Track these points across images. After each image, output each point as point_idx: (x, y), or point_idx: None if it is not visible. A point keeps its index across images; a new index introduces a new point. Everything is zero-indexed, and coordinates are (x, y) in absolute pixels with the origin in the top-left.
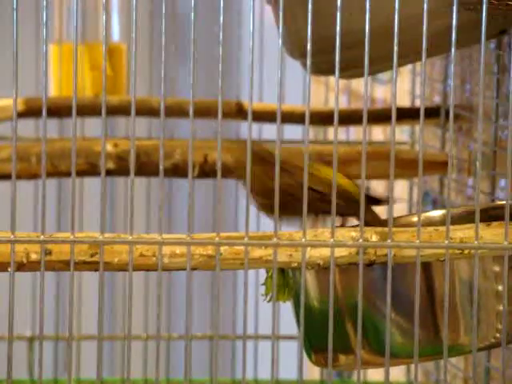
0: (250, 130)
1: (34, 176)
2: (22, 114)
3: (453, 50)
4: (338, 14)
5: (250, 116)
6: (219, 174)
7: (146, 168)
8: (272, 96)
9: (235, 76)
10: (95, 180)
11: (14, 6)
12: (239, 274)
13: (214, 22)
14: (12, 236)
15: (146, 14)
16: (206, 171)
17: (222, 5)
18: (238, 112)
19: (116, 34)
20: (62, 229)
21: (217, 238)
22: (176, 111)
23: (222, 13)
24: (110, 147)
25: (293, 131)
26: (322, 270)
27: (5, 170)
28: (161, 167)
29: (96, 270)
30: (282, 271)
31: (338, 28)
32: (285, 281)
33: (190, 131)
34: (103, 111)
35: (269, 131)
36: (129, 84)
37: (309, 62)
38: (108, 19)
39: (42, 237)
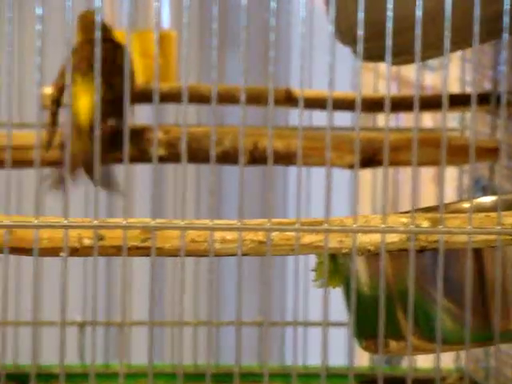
0: (301, 117)
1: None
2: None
3: (504, 35)
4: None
5: (301, 103)
6: (270, 160)
7: (196, 155)
8: (321, 83)
9: (284, 63)
10: (145, 166)
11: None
12: (288, 260)
13: (264, 9)
14: (65, 221)
15: (195, 0)
16: (256, 158)
17: None
18: (288, 99)
19: (166, 21)
20: (113, 215)
21: (268, 224)
22: (225, 98)
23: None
24: (160, 134)
25: (342, 118)
26: (372, 255)
27: (57, 156)
28: (212, 153)
29: (148, 255)
30: (333, 257)
31: (389, 13)
32: (335, 267)
33: (240, 118)
34: (155, 98)
35: (318, 118)
36: (178, 71)
37: (360, 48)
38: (159, 6)
39: (95, 222)
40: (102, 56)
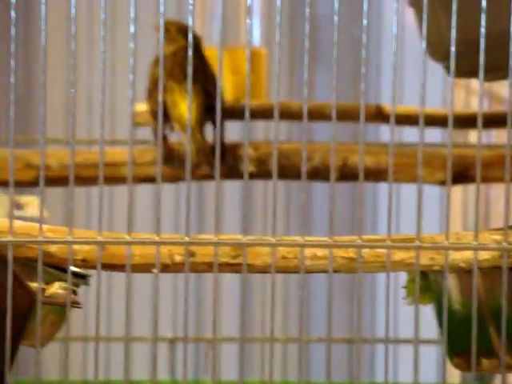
0: (391, 133)
1: (176, 179)
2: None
3: None
4: (483, 16)
5: (392, 119)
6: (361, 176)
7: (286, 171)
8: (412, 99)
9: (375, 79)
10: (235, 183)
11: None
12: (379, 277)
13: (353, 26)
14: (157, 238)
15: (286, 17)
16: (346, 174)
17: (365, 8)
18: (378, 115)
19: (257, 39)
20: (203, 231)
21: (358, 241)
22: (315, 114)
23: (365, 16)
24: (250, 151)
25: (433, 134)
26: (464, 272)
27: (149, 172)
28: (302, 169)
29: (238, 271)
30: (424, 274)
31: (482, 30)
32: (426, 284)
33: (330, 134)
34: (246, 115)
35: (409, 134)
36: (268, 88)
37: (452, 65)
38: (249, 24)
39: (186, 238)
40: (195, 64)
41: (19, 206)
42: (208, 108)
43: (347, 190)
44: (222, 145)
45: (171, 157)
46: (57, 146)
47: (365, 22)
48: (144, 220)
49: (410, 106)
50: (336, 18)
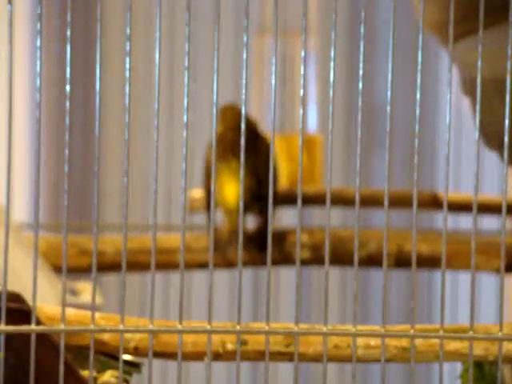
0: (445, 221)
1: (229, 265)
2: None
3: None
4: None
5: (445, 207)
6: (413, 264)
7: (340, 257)
8: (469, 186)
9: (430, 167)
10: (292, 269)
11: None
12: (434, 366)
13: (410, 114)
14: (208, 326)
15: (342, 105)
16: (401, 261)
17: (418, 97)
18: (434, 203)
19: (313, 125)
20: (259, 318)
21: (411, 331)
22: (371, 201)
23: (419, 106)
24: (305, 237)
25: (490, 222)
26: None
27: (203, 259)
28: (355, 257)
29: (291, 360)
30: (479, 364)
31: None
32: (481, 374)
33: (384, 221)
34: (298, 202)
35: (467, 222)
36: (325, 174)
37: (506, 154)
38: (305, 111)
39: (238, 327)
40: (247, 146)
41: (74, 293)
42: (257, 195)
43: (404, 277)
44: (264, 231)
45: (217, 243)
46: (113, 233)
47: (418, 111)
48: (199, 306)
49: (466, 193)
50: (389, 108)
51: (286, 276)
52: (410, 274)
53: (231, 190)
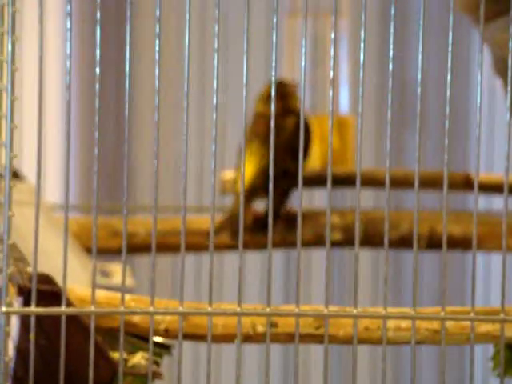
0: (476, 202)
1: (260, 246)
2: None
3: None
4: None
5: (475, 188)
6: (444, 246)
7: (372, 239)
8: (502, 167)
9: (463, 147)
10: (323, 251)
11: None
12: (466, 348)
13: (442, 95)
14: (238, 309)
15: (374, 85)
16: (434, 243)
17: (449, 79)
18: (466, 184)
19: (345, 107)
20: (291, 300)
21: (442, 313)
22: (403, 182)
23: (450, 87)
24: (336, 218)
25: None
26: None
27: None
28: (385, 240)
29: (321, 342)
30: (510, 346)
31: None
32: None
33: (420, 202)
34: (328, 183)
35: (499, 203)
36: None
37: None
38: (336, 92)
39: (268, 309)
40: (277, 133)
41: (106, 274)
42: (282, 174)
43: (437, 259)
44: (276, 213)
45: (230, 224)
46: (144, 214)
47: (448, 92)
48: (231, 289)
49: (499, 174)
50: (419, 89)
51: (318, 258)
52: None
53: (246, 171)
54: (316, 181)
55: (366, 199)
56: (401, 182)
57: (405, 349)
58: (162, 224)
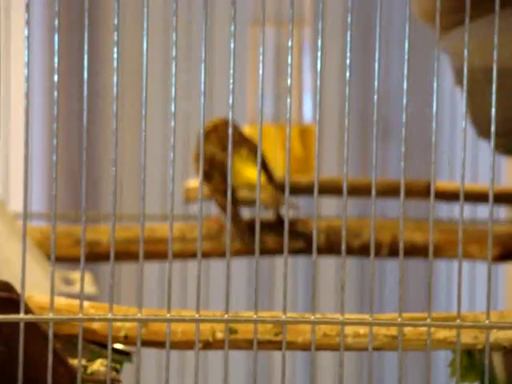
0: (432, 210)
1: (223, 254)
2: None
3: None
4: None
5: (431, 195)
6: (401, 253)
7: (335, 247)
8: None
9: (425, 156)
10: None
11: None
12: (437, 353)
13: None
14: (197, 315)
15: (336, 94)
16: (396, 251)
17: (405, 87)
18: (428, 192)
19: (308, 115)
20: (276, 307)
21: (399, 319)
22: (366, 190)
23: (407, 94)
24: (300, 226)
25: (486, 211)
26: (509, 352)
27: (194, 249)
28: (343, 246)
29: (280, 349)
30: (469, 352)
31: None
32: (471, 362)
33: (379, 211)
34: (286, 192)
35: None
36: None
37: (492, 143)
38: (299, 101)
39: (226, 316)
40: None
41: (69, 282)
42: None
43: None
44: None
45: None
46: (108, 223)
47: (404, 100)
48: (217, 296)
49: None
50: (375, 96)
51: (281, 265)
52: (409, 263)
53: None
54: (279, 189)
55: (329, 207)
56: (364, 190)
57: (390, 354)
58: (125, 232)
